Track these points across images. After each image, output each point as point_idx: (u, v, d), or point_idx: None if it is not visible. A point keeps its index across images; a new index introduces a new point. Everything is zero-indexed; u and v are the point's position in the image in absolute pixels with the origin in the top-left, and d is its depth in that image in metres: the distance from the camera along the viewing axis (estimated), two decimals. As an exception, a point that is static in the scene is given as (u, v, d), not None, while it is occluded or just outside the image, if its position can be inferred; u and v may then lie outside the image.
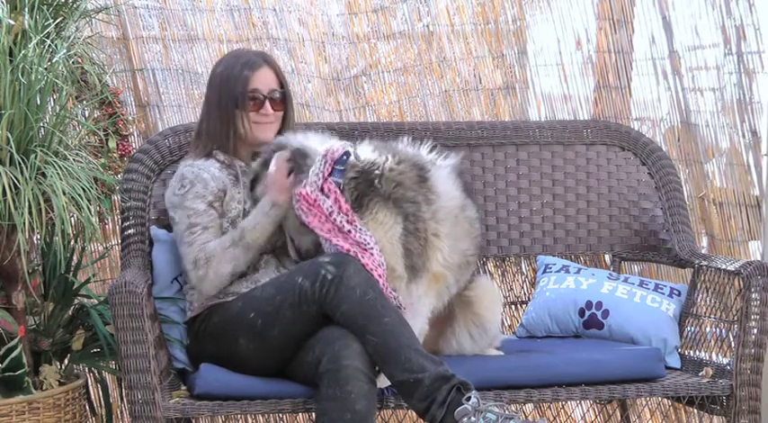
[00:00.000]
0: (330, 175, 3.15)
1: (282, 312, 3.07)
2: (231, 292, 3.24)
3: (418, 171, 3.21)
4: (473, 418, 2.89)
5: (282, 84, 3.38)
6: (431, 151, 3.30)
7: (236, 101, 3.31)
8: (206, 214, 3.26)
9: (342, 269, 3.02)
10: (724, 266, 3.47)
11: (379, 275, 3.08)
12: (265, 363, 3.13)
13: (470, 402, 2.91)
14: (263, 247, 3.25)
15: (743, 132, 4.13)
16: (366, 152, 3.21)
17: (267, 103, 3.34)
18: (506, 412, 2.90)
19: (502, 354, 3.42)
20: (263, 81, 3.34)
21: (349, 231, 3.11)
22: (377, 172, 3.17)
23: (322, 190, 3.14)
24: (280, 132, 3.39)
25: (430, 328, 3.28)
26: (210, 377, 3.08)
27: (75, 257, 3.43)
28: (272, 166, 3.23)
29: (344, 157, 3.17)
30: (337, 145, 3.21)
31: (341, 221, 3.12)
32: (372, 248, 3.10)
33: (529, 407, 4.00)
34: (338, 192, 3.14)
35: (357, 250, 3.08)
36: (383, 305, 3.01)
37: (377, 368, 3.02)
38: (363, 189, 3.16)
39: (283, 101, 3.38)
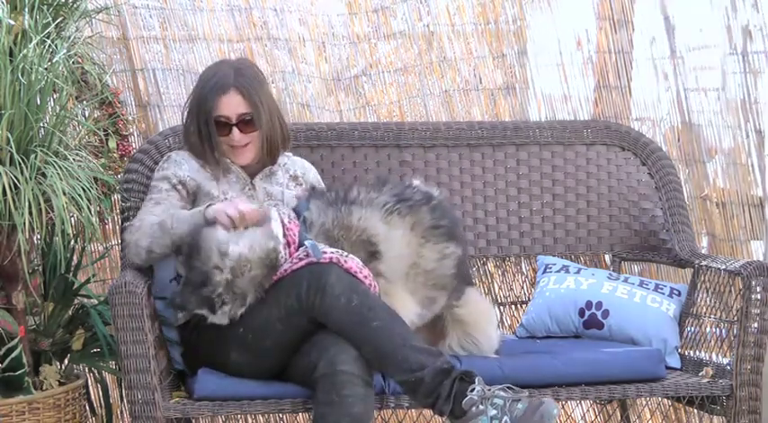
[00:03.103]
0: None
1: (272, 325, 3.05)
2: None
3: (367, 247, 3.18)
4: (481, 407, 2.89)
5: (254, 105, 3.29)
6: (393, 202, 3.24)
7: (208, 125, 3.30)
8: (165, 193, 3.30)
9: (324, 279, 3.00)
10: (724, 266, 3.47)
11: (365, 276, 3.08)
12: (260, 371, 3.11)
13: (476, 391, 2.91)
14: (181, 238, 3.15)
15: (746, 132, 4.12)
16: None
17: (235, 130, 3.30)
18: (513, 395, 2.91)
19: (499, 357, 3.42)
20: (230, 106, 3.29)
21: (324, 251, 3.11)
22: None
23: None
24: (266, 151, 3.37)
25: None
26: (209, 382, 3.08)
27: (75, 257, 3.43)
28: (248, 205, 3.17)
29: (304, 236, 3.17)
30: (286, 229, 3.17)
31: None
32: (349, 256, 3.10)
33: (529, 407, 4.00)
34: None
35: (338, 256, 3.07)
36: (370, 308, 3.00)
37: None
38: None
39: (254, 123, 3.31)
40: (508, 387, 2.94)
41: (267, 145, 3.36)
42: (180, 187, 3.31)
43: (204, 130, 3.31)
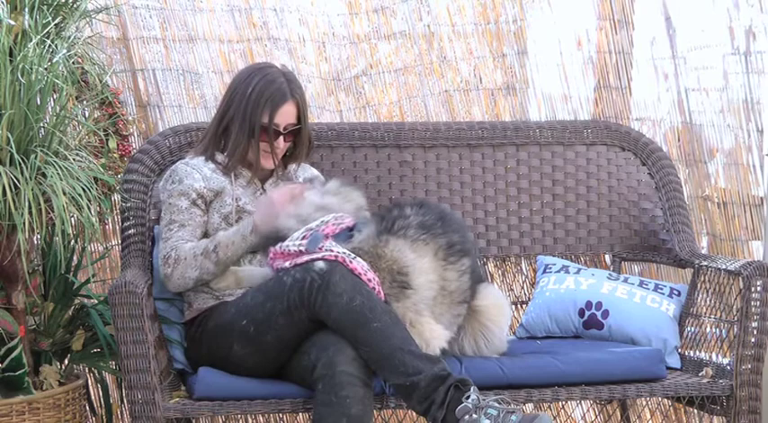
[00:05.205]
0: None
1: (274, 319, 3.06)
2: (228, 293, 3.27)
3: (397, 277, 3.17)
4: (474, 416, 2.89)
5: (300, 117, 3.37)
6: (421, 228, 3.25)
7: (254, 129, 3.32)
8: (186, 212, 3.30)
9: (328, 276, 3.00)
10: (724, 266, 3.47)
11: (369, 279, 3.08)
12: (261, 366, 3.13)
13: (470, 400, 2.91)
14: (234, 263, 3.27)
15: (748, 132, 4.12)
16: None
17: (281, 138, 3.35)
18: (508, 407, 2.90)
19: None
20: (285, 116, 3.34)
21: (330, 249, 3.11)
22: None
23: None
24: (285, 158, 3.43)
25: None
26: (210, 381, 3.08)
27: (75, 257, 3.44)
28: (276, 192, 3.26)
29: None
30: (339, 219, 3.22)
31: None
32: (356, 258, 3.09)
33: (529, 407, 4.00)
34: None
35: (344, 256, 3.07)
36: (371, 309, 3.00)
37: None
38: None
39: (297, 134, 3.39)
40: (502, 399, 2.94)
41: (297, 155, 3.44)
42: (199, 201, 3.32)
43: (249, 134, 3.32)
